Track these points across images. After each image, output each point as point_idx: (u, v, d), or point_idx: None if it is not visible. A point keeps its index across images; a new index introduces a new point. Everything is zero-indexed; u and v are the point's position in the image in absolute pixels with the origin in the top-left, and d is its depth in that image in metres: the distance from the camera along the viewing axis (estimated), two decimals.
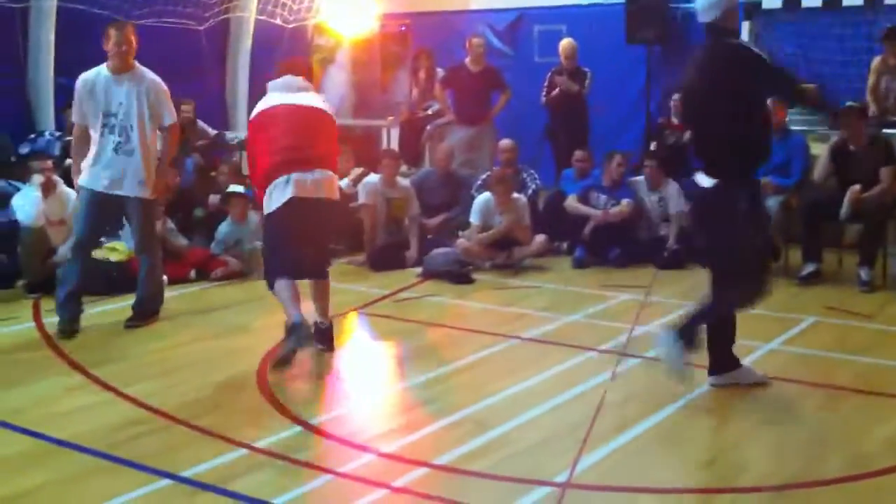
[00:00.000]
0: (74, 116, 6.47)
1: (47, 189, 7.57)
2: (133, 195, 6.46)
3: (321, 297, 6.08)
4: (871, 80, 9.00)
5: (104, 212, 6.56)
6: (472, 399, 5.07)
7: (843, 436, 4.58)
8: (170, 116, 6.56)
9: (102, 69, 6.40)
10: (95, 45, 9.82)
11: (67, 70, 9.87)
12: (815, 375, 5.46)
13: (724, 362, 5.25)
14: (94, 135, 6.38)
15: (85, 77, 6.39)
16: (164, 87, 6.51)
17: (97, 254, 7.59)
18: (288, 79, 6.08)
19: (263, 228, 6.18)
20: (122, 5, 9.78)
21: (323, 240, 6.23)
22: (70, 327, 6.38)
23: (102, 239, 7.95)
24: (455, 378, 5.55)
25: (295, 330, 5.46)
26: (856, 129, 7.68)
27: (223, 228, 8.32)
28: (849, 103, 8.24)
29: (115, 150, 6.36)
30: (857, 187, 7.50)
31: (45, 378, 5.54)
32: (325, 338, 5.97)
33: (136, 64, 6.46)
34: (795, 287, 7.63)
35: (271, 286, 5.82)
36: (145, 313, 6.70)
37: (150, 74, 6.49)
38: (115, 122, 6.34)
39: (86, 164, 6.43)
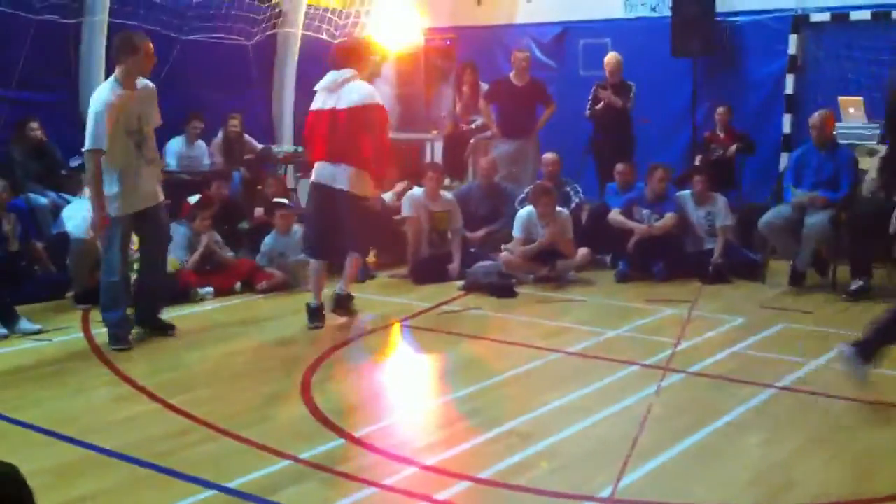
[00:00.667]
0: (98, 142, 6.07)
1: None
2: (160, 201, 6.63)
3: (346, 269, 7.16)
4: None
5: (140, 228, 6.58)
6: (515, 412, 5.07)
7: (894, 453, 4.51)
8: (158, 118, 6.62)
9: (116, 86, 6.23)
10: None
11: None
12: (863, 392, 5.37)
13: (868, 351, 5.21)
14: (121, 156, 6.22)
15: (108, 98, 6.14)
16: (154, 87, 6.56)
17: None
18: (330, 77, 6.85)
19: None
20: (173, 21, 9.95)
21: (339, 226, 6.85)
22: (127, 345, 6.43)
23: None
24: (498, 391, 5.55)
25: (308, 312, 6.97)
26: None
27: (268, 240, 8.40)
28: None
29: (146, 164, 6.40)
30: None
31: (95, 388, 5.64)
32: (339, 305, 7.15)
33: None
34: (843, 303, 7.53)
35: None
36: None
37: (144, 79, 6.43)
38: (140, 138, 6.35)
39: (115, 191, 6.24)
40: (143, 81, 6.42)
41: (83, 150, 6.20)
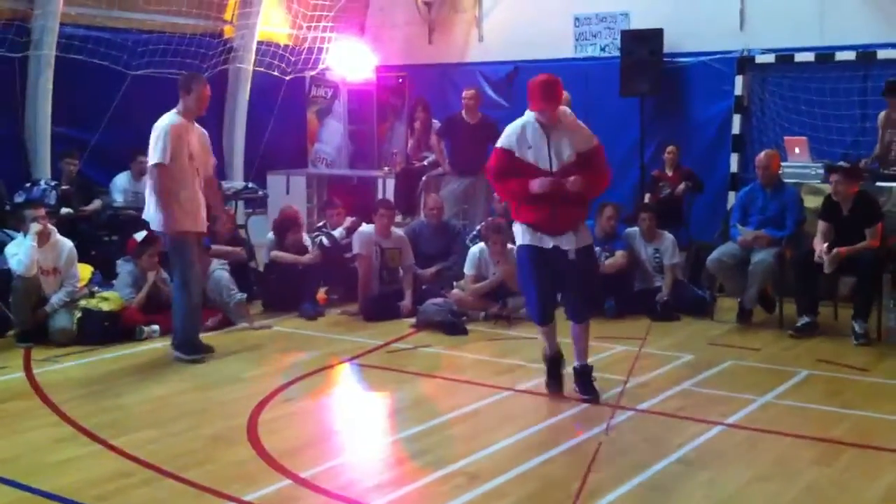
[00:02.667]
0: (165, 157, 6.74)
1: (42, 238, 7.56)
2: (202, 230, 7.18)
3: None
4: (880, 132, 9.06)
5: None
6: (464, 451, 5.03)
7: (839, 491, 4.53)
8: (213, 161, 7.49)
9: (178, 117, 6.88)
10: (92, 95, 9.97)
11: (65, 119, 9.99)
12: (809, 429, 5.42)
13: None
14: (185, 178, 6.84)
15: (172, 121, 6.83)
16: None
17: (90, 303, 7.59)
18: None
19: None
20: (121, 56, 9.89)
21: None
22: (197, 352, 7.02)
23: (96, 288, 7.98)
24: (447, 430, 5.50)
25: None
26: (845, 189, 7.69)
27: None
28: (840, 163, 8.29)
29: (199, 191, 6.99)
30: (835, 251, 7.51)
31: (35, 429, 5.49)
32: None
33: None
34: (790, 339, 7.61)
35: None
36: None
37: (200, 127, 7.17)
38: (197, 166, 6.95)
39: (184, 210, 6.85)
40: (197, 125, 7.11)
41: (150, 164, 6.88)
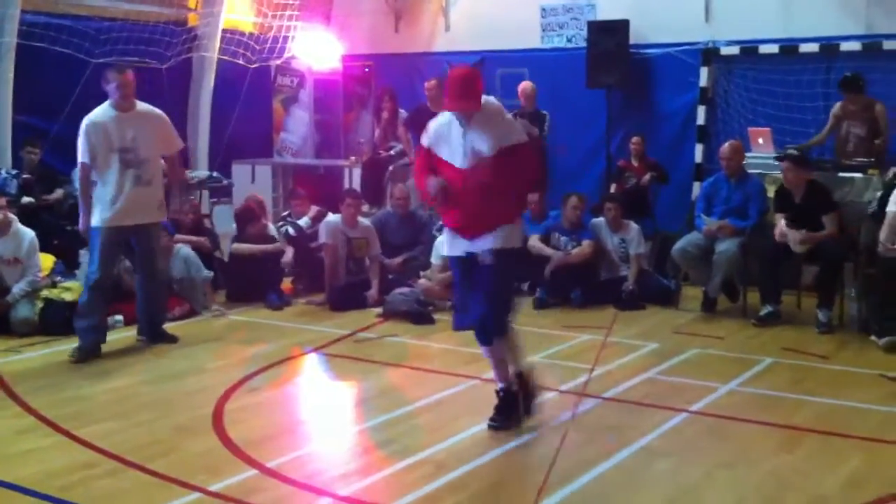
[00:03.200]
0: (84, 156, 6.69)
1: (2, 227, 7.46)
2: (151, 221, 6.97)
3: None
4: (830, 122, 9.14)
5: (119, 246, 6.93)
6: (431, 440, 5.03)
7: (802, 477, 4.59)
8: (178, 143, 7.31)
9: (108, 109, 6.76)
10: (54, 84, 9.82)
11: (26, 107, 9.84)
12: (773, 416, 5.48)
13: None
14: (109, 172, 6.71)
15: (93, 118, 6.72)
16: (166, 117, 7.12)
17: (51, 293, 7.51)
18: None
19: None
20: (83, 44, 9.76)
21: None
22: (89, 355, 6.70)
23: (58, 278, 7.89)
24: (414, 419, 5.51)
25: None
26: (794, 176, 7.77)
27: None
28: (788, 150, 8.38)
29: (135, 182, 6.75)
30: (802, 233, 7.60)
31: None
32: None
33: (137, 101, 6.93)
34: (753, 328, 7.68)
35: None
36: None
37: (154, 109, 7.02)
38: (132, 157, 6.73)
39: (101, 203, 6.72)
40: (154, 111, 7.01)
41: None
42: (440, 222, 9.42)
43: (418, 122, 10.38)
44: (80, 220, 6.83)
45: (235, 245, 8.81)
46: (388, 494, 4.37)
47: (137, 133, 6.79)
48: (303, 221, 9.11)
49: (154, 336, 7.17)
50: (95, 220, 6.75)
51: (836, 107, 9.13)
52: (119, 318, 7.66)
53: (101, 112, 6.78)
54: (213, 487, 4.37)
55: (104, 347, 6.90)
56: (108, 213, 6.74)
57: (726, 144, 8.56)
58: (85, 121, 6.75)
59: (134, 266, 7.23)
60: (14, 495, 4.30)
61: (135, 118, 6.83)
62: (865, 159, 8.71)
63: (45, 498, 4.25)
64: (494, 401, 5.32)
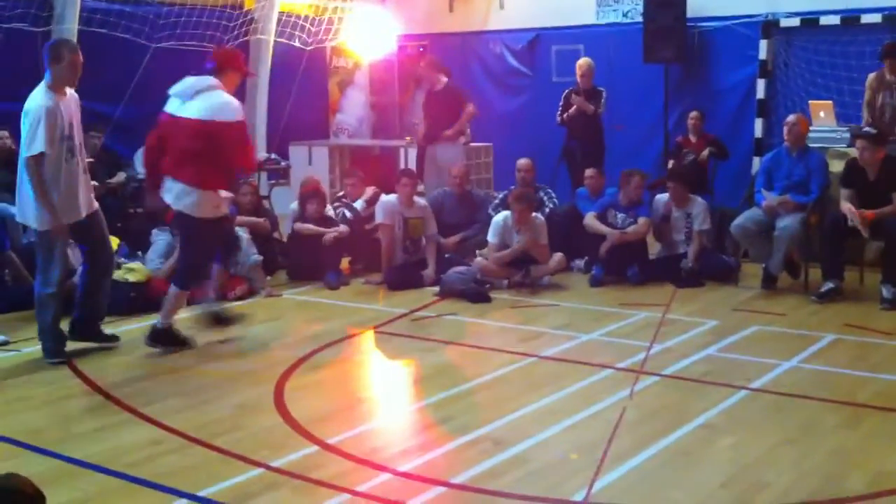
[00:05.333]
0: (42, 145, 5.94)
1: None
2: (95, 209, 6.48)
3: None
4: (866, 94, 8.95)
5: (83, 238, 6.49)
6: (489, 417, 5.06)
7: (864, 454, 4.53)
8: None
9: (48, 92, 6.07)
10: (116, 69, 9.97)
11: (88, 93, 9.97)
12: (835, 393, 5.42)
13: None
14: (57, 162, 6.06)
15: (46, 102, 6.00)
16: None
17: (117, 275, 7.65)
18: (186, 82, 6.38)
19: None
20: (143, 29, 9.90)
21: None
22: (64, 358, 6.30)
23: (122, 260, 8.04)
24: (472, 396, 5.54)
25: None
26: (871, 155, 7.63)
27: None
28: (866, 129, 8.20)
29: (81, 171, 6.27)
30: (862, 213, 7.47)
31: (65, 398, 5.58)
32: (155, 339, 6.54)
33: None
34: (815, 305, 7.58)
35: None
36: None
37: (73, 93, 6.34)
38: (73, 144, 6.19)
39: (54, 200, 6.07)
40: (70, 91, 6.28)
41: (24, 156, 6.01)
42: (496, 201, 9.45)
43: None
44: (53, 223, 6.12)
45: (297, 224, 8.91)
46: (448, 470, 4.41)
47: (73, 118, 6.26)
48: (358, 204, 9.16)
49: (95, 338, 6.63)
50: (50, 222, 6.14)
51: (871, 78, 8.92)
52: None
53: (46, 97, 6.05)
54: (276, 463, 4.45)
55: None
56: (65, 210, 6.17)
57: (792, 115, 8.44)
58: (41, 105, 5.98)
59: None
60: (84, 472, 4.42)
61: (70, 102, 6.26)
62: None
63: (115, 474, 4.36)
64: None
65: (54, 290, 6.27)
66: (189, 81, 6.38)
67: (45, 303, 6.30)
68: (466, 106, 9.99)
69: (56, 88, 6.12)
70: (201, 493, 4.12)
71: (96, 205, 6.54)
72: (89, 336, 6.61)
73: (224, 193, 6.51)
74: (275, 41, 11.71)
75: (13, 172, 8.53)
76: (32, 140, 5.96)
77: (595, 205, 9.03)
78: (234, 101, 6.36)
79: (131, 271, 7.72)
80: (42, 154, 5.96)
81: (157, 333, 6.51)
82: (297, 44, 11.57)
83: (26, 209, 6.22)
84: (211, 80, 6.37)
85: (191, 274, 6.59)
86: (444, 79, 10.05)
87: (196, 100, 6.29)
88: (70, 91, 6.29)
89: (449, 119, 9.92)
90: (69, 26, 9.64)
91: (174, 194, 6.34)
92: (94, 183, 9.13)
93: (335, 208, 9.24)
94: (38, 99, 6.05)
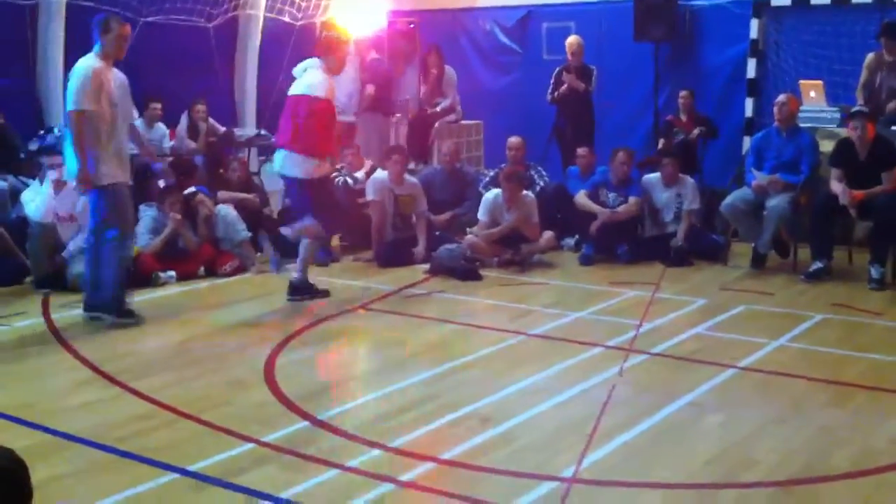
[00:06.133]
0: (87, 103, 6.28)
1: (58, 185, 7.59)
2: (130, 181, 6.71)
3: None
4: (863, 76, 8.94)
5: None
6: (479, 394, 5.08)
7: (851, 432, 4.57)
8: (135, 112, 6.98)
9: (98, 60, 6.40)
10: None
11: None
12: (823, 372, 5.45)
13: None
14: (111, 126, 6.39)
15: (95, 66, 6.35)
16: None
17: None
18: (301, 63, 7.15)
19: None
20: (131, 2, 9.81)
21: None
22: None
23: None
24: (462, 374, 5.56)
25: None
26: (864, 134, 7.64)
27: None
28: (859, 108, 8.21)
29: (125, 140, 6.61)
30: (851, 193, 7.51)
31: (55, 373, 5.58)
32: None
33: None
34: (803, 284, 7.61)
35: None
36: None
37: (120, 73, 6.65)
38: (119, 112, 6.50)
39: (108, 157, 6.38)
40: (115, 70, 6.58)
41: (67, 110, 6.36)
42: (486, 179, 9.45)
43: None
44: (80, 174, 6.37)
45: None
46: (437, 446, 4.43)
47: (120, 91, 6.56)
48: (359, 174, 9.13)
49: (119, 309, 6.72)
50: (112, 177, 6.46)
51: (870, 58, 8.91)
52: (172, 273, 7.80)
53: (95, 61, 6.40)
54: (266, 438, 4.46)
55: (157, 304, 7.04)
56: (121, 169, 6.52)
57: (782, 94, 8.44)
58: (88, 67, 6.34)
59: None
60: (73, 446, 4.43)
61: (117, 75, 6.58)
62: None
63: (104, 448, 4.37)
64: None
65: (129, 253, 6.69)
66: (303, 62, 7.17)
67: (107, 261, 6.55)
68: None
69: (104, 59, 6.44)
70: (191, 468, 4.13)
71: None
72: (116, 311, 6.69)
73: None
74: (264, 16, 11.63)
75: (2, 148, 8.55)
76: (78, 96, 6.28)
77: (586, 183, 9.04)
78: (326, 82, 6.99)
79: None
80: (83, 111, 6.25)
81: (296, 286, 7.17)
82: (286, 18, 11.49)
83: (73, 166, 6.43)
84: (316, 60, 7.09)
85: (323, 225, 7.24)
86: (375, 54, 10.66)
87: (301, 77, 7.07)
88: (116, 70, 6.58)
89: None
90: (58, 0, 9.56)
91: (291, 163, 6.99)
92: None
93: (334, 178, 9.21)
94: (86, 61, 6.40)
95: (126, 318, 6.56)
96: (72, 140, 6.32)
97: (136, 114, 6.96)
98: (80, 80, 6.31)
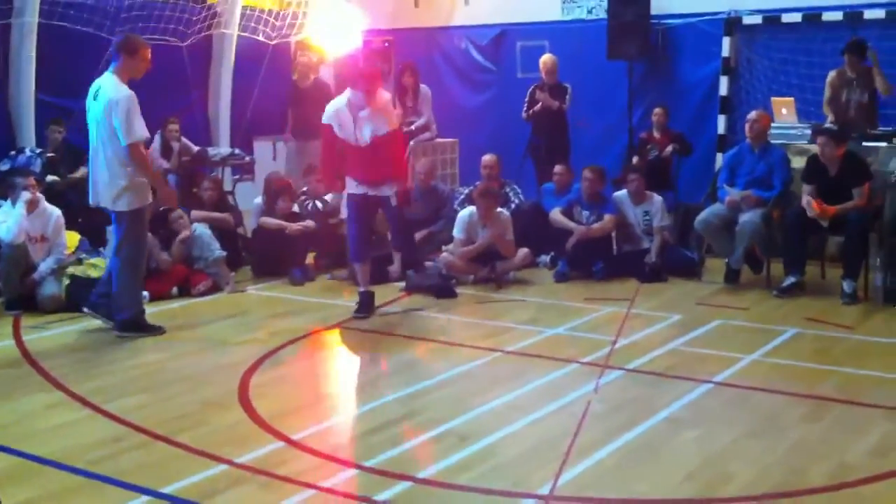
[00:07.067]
0: (141, 131, 6.44)
1: (31, 206, 7.53)
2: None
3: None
4: (827, 93, 9.03)
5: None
6: (455, 412, 5.06)
7: (826, 446, 4.59)
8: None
9: (122, 82, 6.47)
10: (76, 62, 9.87)
11: (48, 86, 9.90)
12: (797, 386, 5.48)
13: None
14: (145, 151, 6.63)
15: (129, 91, 6.42)
16: None
17: (77, 270, 7.58)
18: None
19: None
20: (104, 22, 9.78)
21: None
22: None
23: (83, 255, 7.96)
24: (438, 391, 5.53)
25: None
26: (831, 151, 7.70)
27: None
28: (828, 125, 8.29)
29: None
30: (822, 204, 7.57)
31: (26, 395, 5.51)
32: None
33: None
34: (777, 299, 7.65)
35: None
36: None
37: None
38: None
39: (141, 181, 6.53)
40: None
41: (126, 143, 6.36)
42: (461, 197, 9.46)
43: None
44: (166, 194, 6.97)
45: (264, 219, 8.85)
46: (413, 465, 4.41)
47: None
48: (329, 197, 9.12)
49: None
50: (144, 200, 6.62)
51: (832, 76, 9.00)
52: (145, 293, 7.71)
53: (122, 84, 6.47)
54: (240, 459, 4.42)
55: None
56: (149, 191, 6.66)
57: (754, 111, 8.51)
58: (127, 94, 6.40)
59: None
60: (44, 469, 4.37)
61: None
62: (867, 126, 8.66)
63: (75, 471, 4.31)
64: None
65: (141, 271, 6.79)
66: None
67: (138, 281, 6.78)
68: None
69: (124, 79, 6.47)
70: (165, 490, 4.08)
71: None
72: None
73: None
74: (238, 35, 11.62)
75: None
76: (131, 127, 6.34)
77: (560, 200, 9.07)
78: (330, 106, 7.24)
79: (93, 267, 7.64)
80: (142, 141, 6.47)
81: (362, 302, 7.31)
82: (260, 38, 11.49)
83: (108, 192, 6.52)
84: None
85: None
86: (313, 76, 10.62)
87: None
88: None
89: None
90: (29, 19, 9.52)
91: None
92: (55, 178, 9.15)
93: (302, 202, 9.19)
94: (120, 89, 6.40)
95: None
96: (138, 172, 6.47)
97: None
98: (128, 107, 6.35)
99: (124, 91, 6.41)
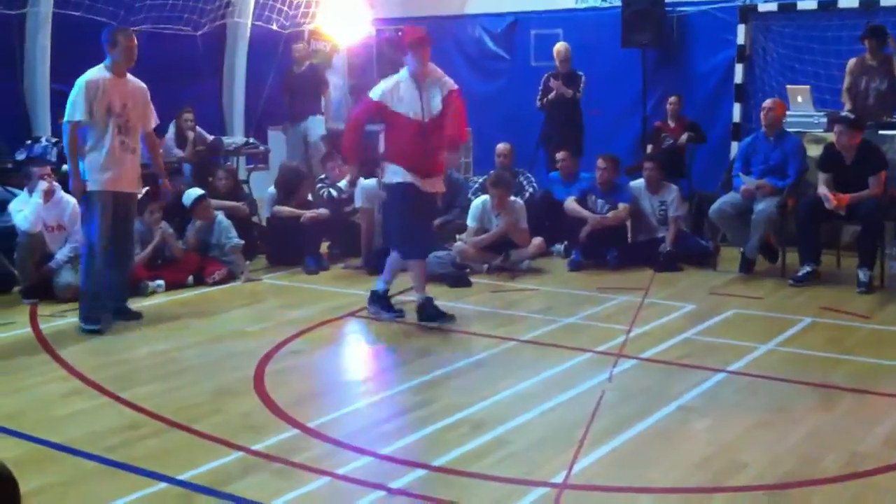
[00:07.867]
0: (77, 115, 6.51)
1: (47, 195, 7.57)
2: (133, 191, 6.87)
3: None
4: (847, 80, 8.99)
5: (114, 211, 6.71)
6: (469, 401, 5.08)
7: (839, 435, 4.58)
8: (155, 119, 7.05)
9: (104, 71, 6.61)
10: (91, 51, 9.87)
11: (63, 76, 9.90)
12: (811, 375, 5.47)
13: None
14: (102, 135, 6.56)
15: (91, 77, 6.56)
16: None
17: None
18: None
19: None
20: (119, 12, 9.81)
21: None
22: (97, 325, 6.63)
23: None
24: (452, 380, 5.55)
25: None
26: (848, 140, 7.67)
27: (189, 228, 8.44)
28: (844, 113, 8.25)
29: (123, 149, 6.64)
30: (837, 196, 7.53)
31: (43, 383, 5.54)
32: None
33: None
34: (792, 288, 7.64)
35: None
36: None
37: (139, 81, 6.85)
38: (121, 123, 6.61)
39: (94, 165, 6.56)
40: (139, 81, 6.84)
41: (64, 122, 6.60)
42: (475, 186, 9.46)
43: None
44: (72, 182, 6.63)
45: (277, 207, 8.88)
46: (428, 453, 4.42)
47: (129, 100, 6.68)
48: (342, 184, 9.13)
49: (118, 313, 6.91)
50: (94, 184, 6.56)
51: (852, 63, 8.95)
52: (160, 282, 7.78)
53: (97, 73, 6.60)
54: (256, 447, 4.45)
55: (146, 313, 7.03)
56: (106, 176, 6.57)
57: (769, 99, 8.49)
58: (83, 80, 6.54)
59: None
60: (62, 456, 4.40)
61: (128, 85, 6.73)
62: (885, 114, 8.61)
63: (93, 458, 4.35)
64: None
65: (94, 254, 6.62)
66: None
67: (86, 266, 6.68)
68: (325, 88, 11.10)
69: (113, 70, 6.63)
70: (181, 477, 4.11)
71: (138, 189, 7.00)
72: (116, 313, 6.88)
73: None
74: (252, 24, 11.63)
75: None
76: (72, 107, 6.54)
77: (573, 188, 9.06)
78: (385, 83, 6.74)
79: None
80: (77, 122, 6.50)
81: (423, 309, 6.79)
82: (274, 27, 11.50)
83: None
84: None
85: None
86: (307, 62, 10.91)
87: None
88: (133, 78, 6.78)
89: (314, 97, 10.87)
90: (44, 9, 9.54)
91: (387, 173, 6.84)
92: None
93: (318, 189, 9.21)
94: (87, 74, 6.59)
95: (92, 324, 6.63)
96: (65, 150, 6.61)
97: (154, 122, 7.03)
98: (74, 92, 6.56)
99: (86, 76, 6.57)
